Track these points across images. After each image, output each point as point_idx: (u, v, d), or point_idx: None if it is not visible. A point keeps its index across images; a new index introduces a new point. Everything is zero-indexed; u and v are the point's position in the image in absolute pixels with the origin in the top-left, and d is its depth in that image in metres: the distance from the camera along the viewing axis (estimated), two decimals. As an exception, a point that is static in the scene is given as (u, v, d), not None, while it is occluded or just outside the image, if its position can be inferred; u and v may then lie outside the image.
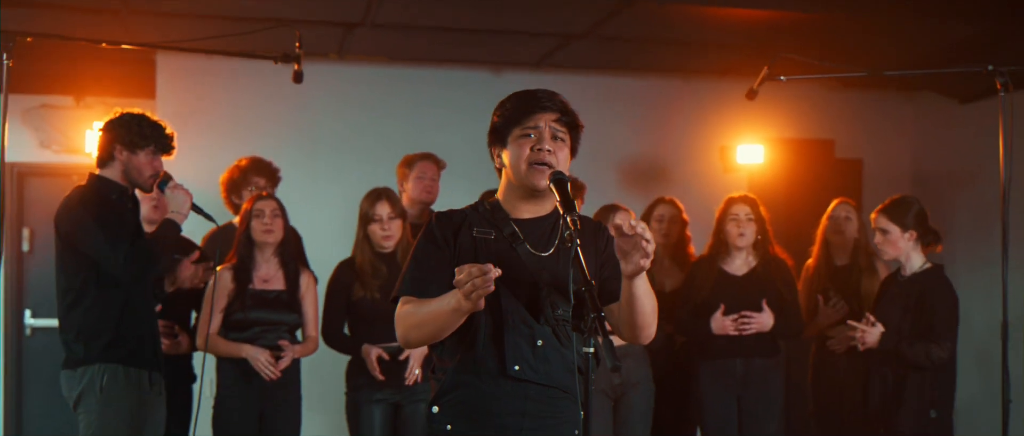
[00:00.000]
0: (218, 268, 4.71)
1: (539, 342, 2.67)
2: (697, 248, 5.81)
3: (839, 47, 6.05)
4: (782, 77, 4.56)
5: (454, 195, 7.21)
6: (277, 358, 4.59)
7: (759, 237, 5.11)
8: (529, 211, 2.79)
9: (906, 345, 4.47)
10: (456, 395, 2.72)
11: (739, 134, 7.49)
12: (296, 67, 4.57)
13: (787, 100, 7.13)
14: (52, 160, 8.00)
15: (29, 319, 8.13)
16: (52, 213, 4.72)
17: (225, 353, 4.58)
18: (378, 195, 4.88)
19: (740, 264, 5.14)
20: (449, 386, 2.73)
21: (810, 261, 5.48)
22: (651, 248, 2.48)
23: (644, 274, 2.57)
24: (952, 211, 7.54)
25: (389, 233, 4.80)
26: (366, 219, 4.85)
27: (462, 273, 2.42)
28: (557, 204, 2.55)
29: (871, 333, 4.56)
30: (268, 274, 4.74)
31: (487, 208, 2.84)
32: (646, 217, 5.73)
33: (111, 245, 4.01)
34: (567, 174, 2.71)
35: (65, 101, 7.96)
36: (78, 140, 7.68)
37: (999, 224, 4.42)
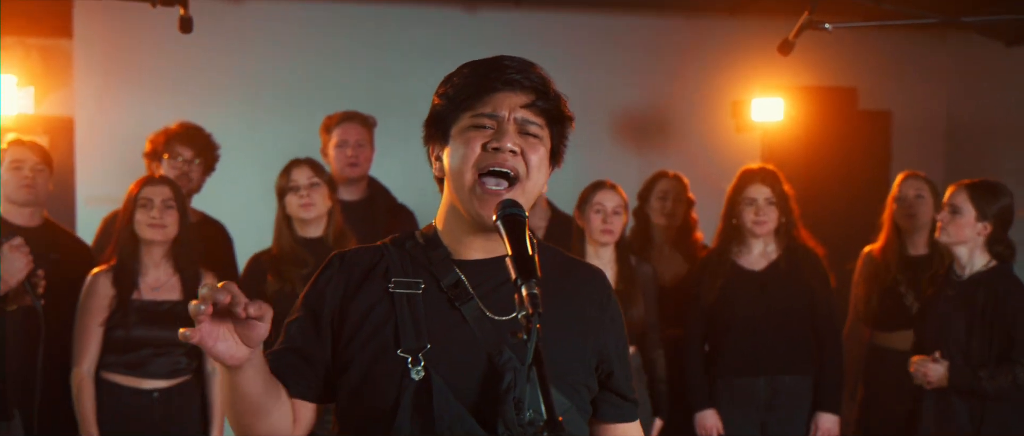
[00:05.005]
0: (94, 271, 3.71)
1: None
2: (703, 225, 5.02)
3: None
4: (827, 25, 3.54)
5: (421, 160, 6.41)
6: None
7: (783, 220, 4.15)
8: (482, 248, 1.85)
9: (985, 375, 3.56)
10: None
11: (753, 84, 6.80)
12: (181, 12, 3.52)
13: (802, 41, 6.30)
14: (-39, 110, 7.06)
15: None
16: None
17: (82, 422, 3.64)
18: (295, 162, 4.08)
19: (758, 256, 4.19)
20: None
21: (875, 246, 4.56)
22: None
23: None
24: (993, 171, 6.68)
25: (309, 200, 3.95)
26: (282, 192, 4.03)
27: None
28: (508, 260, 1.57)
29: (934, 370, 3.67)
30: (158, 280, 3.75)
31: (420, 242, 1.90)
32: (645, 194, 4.87)
33: None
34: (527, 208, 1.75)
35: (-21, 41, 7.05)
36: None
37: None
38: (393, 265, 1.84)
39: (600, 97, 6.78)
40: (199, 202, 4.77)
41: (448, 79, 1.85)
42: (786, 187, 4.26)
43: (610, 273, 4.13)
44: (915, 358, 3.80)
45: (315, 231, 3.97)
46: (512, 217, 1.65)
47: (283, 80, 6.51)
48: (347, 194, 4.47)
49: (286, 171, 4.03)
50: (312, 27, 6.56)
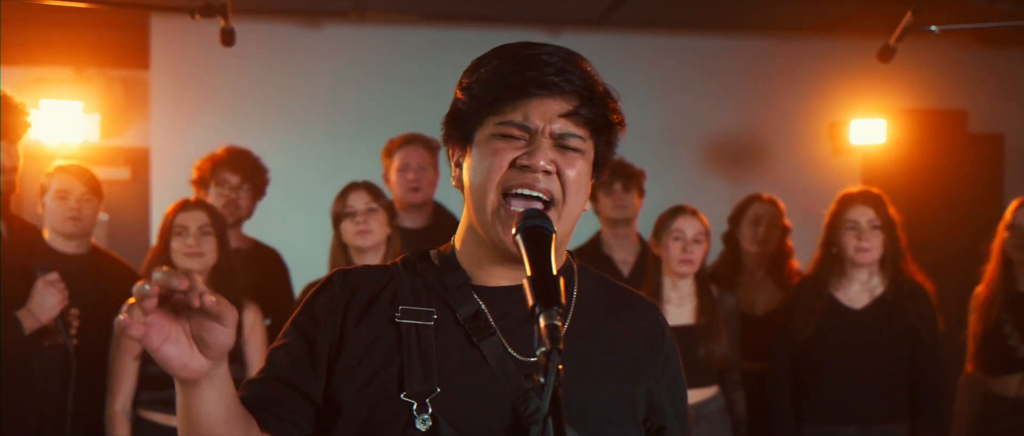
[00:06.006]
0: (130, 302, 3.51)
1: None
2: (798, 255, 4.65)
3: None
4: (933, 27, 3.18)
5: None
6: None
7: (889, 249, 3.76)
8: (507, 275, 1.57)
9: None
10: None
11: (851, 105, 6.45)
12: (222, 23, 3.34)
13: (906, 60, 5.96)
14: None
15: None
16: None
17: None
18: (351, 186, 3.87)
19: (859, 291, 3.81)
20: None
21: (980, 287, 4.09)
22: None
23: None
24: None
25: (366, 228, 3.73)
26: (338, 218, 3.82)
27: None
28: (525, 283, 1.29)
29: None
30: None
31: (435, 263, 1.61)
32: (736, 219, 4.51)
33: None
34: (563, 232, 1.51)
35: (64, 73, 7.04)
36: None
37: None
38: (402, 290, 1.56)
39: (688, 121, 6.55)
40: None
41: (474, 68, 1.56)
42: (892, 211, 3.86)
43: (689, 306, 3.81)
44: None
45: (372, 259, 3.73)
46: (535, 230, 1.37)
47: (361, 104, 6.39)
48: (410, 221, 4.25)
49: (342, 196, 3.83)
50: (391, 51, 6.42)
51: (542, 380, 1.16)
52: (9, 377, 3.11)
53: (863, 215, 3.81)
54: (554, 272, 1.29)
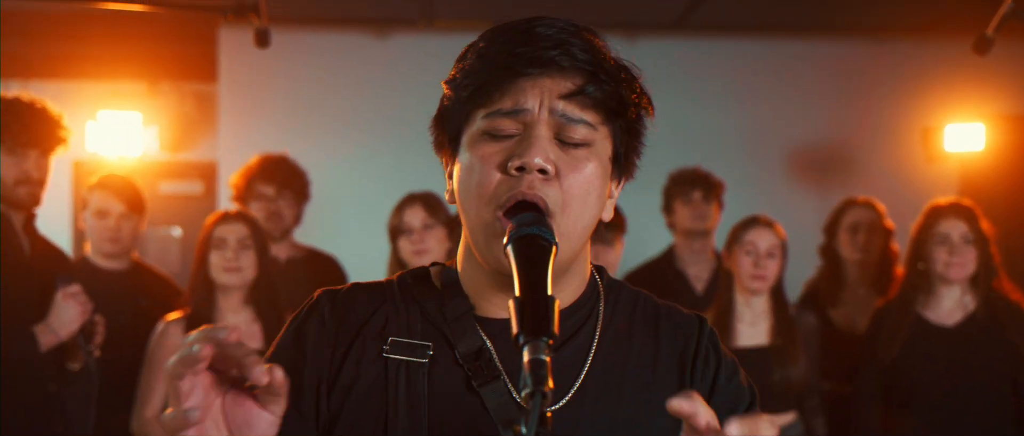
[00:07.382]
0: (167, 318, 3.37)
1: None
2: None
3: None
4: (1035, 15, 2.87)
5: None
6: None
7: (982, 268, 3.46)
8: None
9: None
10: None
11: (946, 110, 6.13)
12: (255, 22, 3.16)
13: (1006, 62, 5.59)
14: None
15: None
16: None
17: None
18: (410, 199, 3.66)
19: (950, 308, 3.50)
20: None
21: None
22: None
23: None
24: None
25: (422, 247, 3.54)
26: (395, 233, 3.64)
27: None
28: (511, 308, 1.04)
29: None
30: (237, 328, 3.32)
31: (436, 288, 1.35)
32: (832, 228, 4.21)
33: None
34: (571, 252, 1.26)
35: (137, 87, 7.07)
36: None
37: None
38: (394, 317, 1.30)
39: (771, 130, 6.28)
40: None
41: (462, 56, 1.30)
42: (985, 225, 3.55)
43: (764, 326, 3.53)
44: None
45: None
46: (529, 240, 1.11)
47: (430, 114, 6.15)
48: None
49: (399, 210, 3.64)
50: (454, 62, 6.27)
51: (523, 432, 0.92)
52: (20, 392, 2.98)
53: (955, 229, 3.50)
54: (549, 292, 1.05)
